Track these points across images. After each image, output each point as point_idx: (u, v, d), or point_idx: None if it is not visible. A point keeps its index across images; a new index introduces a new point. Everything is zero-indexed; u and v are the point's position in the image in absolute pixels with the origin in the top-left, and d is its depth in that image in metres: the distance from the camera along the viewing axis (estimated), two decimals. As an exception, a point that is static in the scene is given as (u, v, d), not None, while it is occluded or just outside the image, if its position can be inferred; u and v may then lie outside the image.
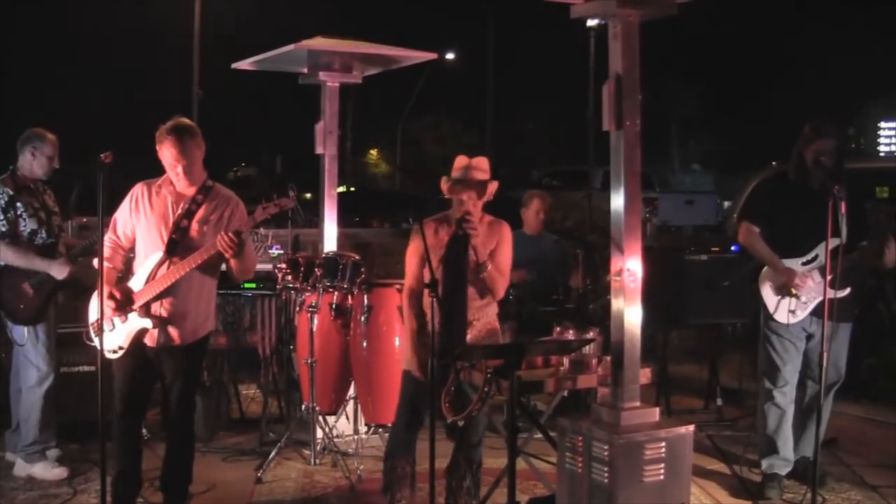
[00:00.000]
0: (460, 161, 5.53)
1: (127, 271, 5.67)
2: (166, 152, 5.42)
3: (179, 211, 5.50)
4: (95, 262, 5.59)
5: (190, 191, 5.54)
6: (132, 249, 5.66)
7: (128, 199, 5.63)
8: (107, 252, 5.55)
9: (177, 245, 5.45)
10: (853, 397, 8.27)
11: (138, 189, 5.62)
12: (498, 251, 5.54)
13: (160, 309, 5.48)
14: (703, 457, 7.01)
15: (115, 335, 5.52)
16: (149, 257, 5.50)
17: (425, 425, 5.43)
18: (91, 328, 5.64)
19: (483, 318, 5.59)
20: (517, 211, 8.71)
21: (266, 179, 37.23)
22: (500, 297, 5.59)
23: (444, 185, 5.49)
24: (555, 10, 5.21)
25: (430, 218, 5.65)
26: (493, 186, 5.50)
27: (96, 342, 5.51)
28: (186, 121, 5.53)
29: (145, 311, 5.47)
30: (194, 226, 5.50)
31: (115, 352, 5.53)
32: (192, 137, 5.45)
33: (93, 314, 5.62)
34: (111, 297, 5.42)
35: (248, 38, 11.72)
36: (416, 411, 5.55)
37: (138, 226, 5.58)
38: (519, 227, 8.68)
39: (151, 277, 5.47)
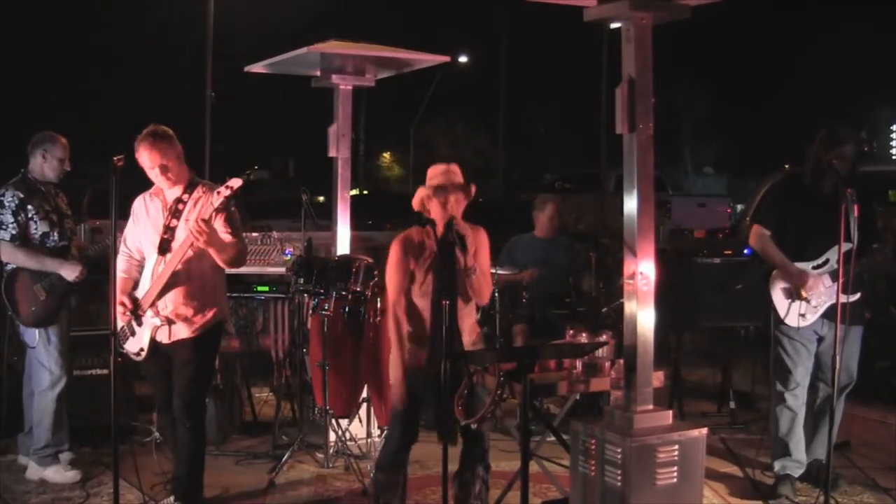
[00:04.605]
0: (438, 168, 5.48)
1: None
2: (143, 158, 5.63)
3: (167, 213, 5.72)
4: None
5: (177, 192, 5.76)
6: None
7: (131, 213, 5.90)
8: (123, 264, 5.84)
9: (168, 244, 5.66)
10: (865, 400, 8.26)
11: (137, 202, 5.89)
12: (479, 256, 5.47)
13: (164, 306, 5.68)
14: (715, 459, 6.99)
15: (136, 339, 5.78)
16: (149, 261, 5.76)
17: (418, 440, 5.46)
18: (119, 336, 5.84)
19: (468, 323, 5.53)
20: (529, 214, 8.70)
21: (279, 183, 37.37)
22: (485, 302, 5.51)
23: (426, 192, 5.41)
24: (568, 13, 5.22)
25: (405, 232, 5.51)
26: (473, 189, 5.49)
27: (126, 347, 5.80)
28: (159, 126, 5.70)
29: (154, 311, 5.69)
30: (182, 224, 5.67)
31: (137, 354, 5.79)
32: (165, 140, 5.65)
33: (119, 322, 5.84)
34: (122, 304, 5.69)
35: (260, 41, 11.72)
36: (409, 430, 5.45)
37: (140, 235, 5.83)
38: (530, 230, 8.68)
39: (152, 279, 5.70)
